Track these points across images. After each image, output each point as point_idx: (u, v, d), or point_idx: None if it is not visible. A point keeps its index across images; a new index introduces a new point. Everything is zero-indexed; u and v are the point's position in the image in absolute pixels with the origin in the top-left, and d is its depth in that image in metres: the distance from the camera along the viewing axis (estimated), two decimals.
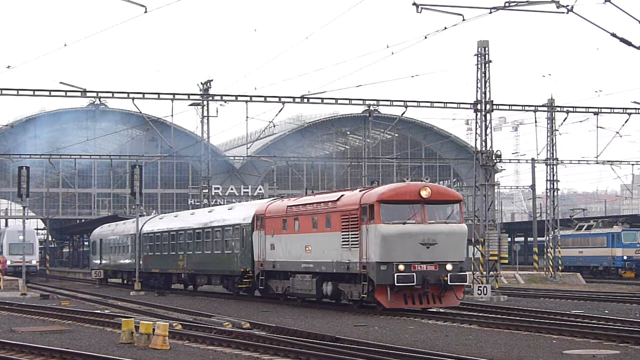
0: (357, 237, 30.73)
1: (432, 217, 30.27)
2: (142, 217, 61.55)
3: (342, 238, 31.61)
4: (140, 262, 52.49)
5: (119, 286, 57.01)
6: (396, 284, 29.24)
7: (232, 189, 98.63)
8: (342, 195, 32.74)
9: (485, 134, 53.71)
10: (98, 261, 63.17)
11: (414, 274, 29.39)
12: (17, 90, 50.10)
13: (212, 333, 24.05)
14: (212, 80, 60.47)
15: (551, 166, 62.85)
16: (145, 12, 32.95)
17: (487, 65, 53.34)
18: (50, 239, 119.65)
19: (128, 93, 52.34)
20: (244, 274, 39.79)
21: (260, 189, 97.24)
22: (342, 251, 31.68)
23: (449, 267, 29.90)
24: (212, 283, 44.97)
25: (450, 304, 30.32)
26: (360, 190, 32.13)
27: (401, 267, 29.42)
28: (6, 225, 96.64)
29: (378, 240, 29.70)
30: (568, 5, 26.44)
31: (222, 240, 42.70)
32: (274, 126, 61.14)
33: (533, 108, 61.51)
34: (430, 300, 29.84)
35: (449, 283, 29.64)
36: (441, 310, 30.94)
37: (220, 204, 69.30)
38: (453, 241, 30.37)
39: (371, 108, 66.38)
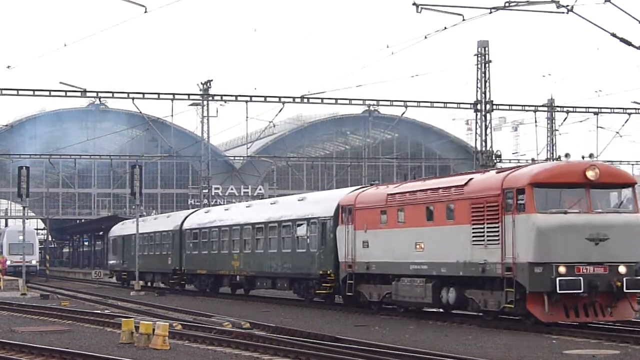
0: (497, 231, 24.92)
1: (600, 205, 24.56)
2: (180, 211, 59.17)
3: (474, 232, 25.78)
4: (181, 262, 47.73)
5: (145, 289, 51.29)
6: (557, 291, 23.32)
7: (232, 189, 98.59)
8: (470, 179, 26.87)
9: (485, 134, 53.83)
10: (118, 261, 58.48)
11: (580, 278, 23.45)
12: (17, 90, 50.24)
13: (212, 333, 24.04)
14: (212, 80, 60.56)
15: None
16: (145, 12, 32.99)
17: (487, 65, 53.47)
18: (50, 239, 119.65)
19: (128, 93, 52.48)
20: (323, 277, 33.72)
21: (260, 189, 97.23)
22: (472, 249, 25.90)
23: (622, 269, 23.98)
24: (277, 287, 38.60)
25: (624, 316, 24.47)
26: (498, 172, 26.81)
27: (562, 269, 23.55)
28: (6, 225, 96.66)
29: (532, 235, 23.88)
30: (568, 5, 26.47)
31: (292, 237, 36.51)
32: (274, 126, 61.33)
33: (533, 108, 61.64)
34: (599, 312, 23.98)
35: (623, 290, 23.78)
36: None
37: (219, 204, 69.06)
38: (628, 236, 24.44)
39: (371, 108, 66.44)
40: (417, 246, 28.01)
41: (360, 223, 31.06)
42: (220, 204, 68.92)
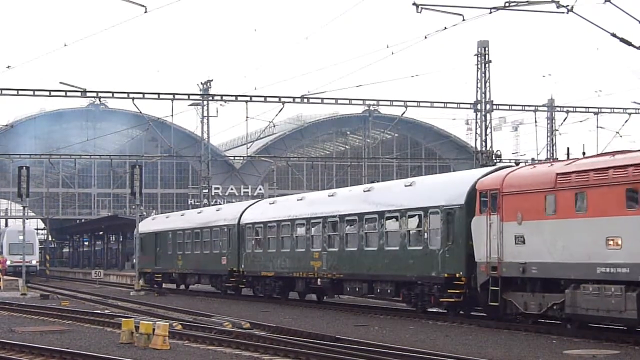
0: None
1: None
2: (234, 203, 55.33)
3: None
4: (240, 262, 41.02)
5: (186, 293, 47.76)
6: None
7: (232, 189, 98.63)
8: None
9: (485, 134, 53.82)
10: (149, 261, 51.66)
11: None
12: (17, 90, 50.22)
13: (212, 333, 24.04)
14: (212, 80, 60.61)
15: None
16: (145, 12, 32.96)
17: (487, 65, 53.47)
18: (50, 239, 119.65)
19: (128, 93, 52.45)
20: (449, 281, 27.41)
21: (260, 189, 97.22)
22: None
23: None
24: (376, 293, 31.75)
25: None
26: None
27: None
28: (6, 225, 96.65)
29: None
30: (568, 5, 26.43)
31: (401, 232, 29.79)
32: (274, 126, 61.27)
33: (533, 108, 61.66)
34: None
35: None
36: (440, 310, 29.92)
37: (218, 203, 68.89)
38: None
39: (371, 108, 66.50)
40: (610, 242, 21.39)
41: (510, 212, 24.56)
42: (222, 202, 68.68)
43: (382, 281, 30.72)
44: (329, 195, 36.40)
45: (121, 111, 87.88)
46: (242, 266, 40.71)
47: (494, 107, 54.65)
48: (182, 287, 50.04)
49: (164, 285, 51.05)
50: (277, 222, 37.97)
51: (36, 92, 50.42)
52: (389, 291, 30.47)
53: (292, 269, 36.59)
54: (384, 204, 31.22)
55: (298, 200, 38.67)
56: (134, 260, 56.96)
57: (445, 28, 32.53)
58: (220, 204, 72.19)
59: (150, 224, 53.80)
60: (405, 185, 31.37)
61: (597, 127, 60.55)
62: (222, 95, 56.28)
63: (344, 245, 33.01)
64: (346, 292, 33.42)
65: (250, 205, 42.54)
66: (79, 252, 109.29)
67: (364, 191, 33.68)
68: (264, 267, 38.81)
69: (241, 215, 41.49)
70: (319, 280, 34.60)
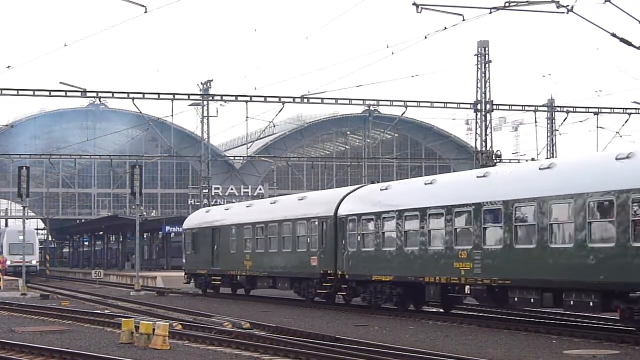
0: None
1: None
2: (326, 190, 49.29)
3: None
4: (337, 263, 33.37)
5: (254, 300, 40.10)
6: None
7: (232, 189, 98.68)
8: None
9: (485, 134, 53.83)
10: (203, 261, 44.90)
11: None
12: (17, 90, 50.20)
13: (212, 333, 24.04)
14: (212, 80, 60.63)
15: None
16: (145, 12, 32.96)
17: (487, 65, 53.49)
18: (50, 239, 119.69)
19: (128, 93, 52.43)
20: None
21: (260, 189, 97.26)
22: None
23: None
24: (570, 304, 23.14)
25: None
26: None
27: None
28: (6, 225, 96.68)
29: None
30: (568, 5, 26.44)
31: (593, 222, 22.11)
32: (274, 126, 61.24)
33: (533, 108, 61.67)
34: None
35: None
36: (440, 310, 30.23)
37: (218, 203, 68.71)
38: None
39: (371, 108, 66.50)
40: None
41: None
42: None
43: (575, 290, 22.65)
44: (481, 176, 27.34)
45: (121, 111, 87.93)
46: (343, 268, 32.76)
47: (494, 107, 54.67)
48: (239, 291, 43.80)
49: (221, 290, 44.57)
50: (398, 212, 29.78)
51: (36, 92, 50.40)
52: (595, 301, 22.13)
53: (421, 272, 28.42)
54: (559, 184, 23.61)
55: (426, 184, 29.85)
56: (133, 261, 56.39)
57: (445, 28, 32.55)
58: (220, 204, 71.99)
59: (204, 217, 46.37)
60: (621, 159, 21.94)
61: (597, 127, 60.56)
62: (222, 95, 56.25)
63: (513, 241, 24.71)
64: (513, 304, 25.32)
65: (351, 192, 34.19)
66: (79, 252, 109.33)
67: (542, 168, 24.76)
68: (377, 270, 30.83)
69: (339, 205, 33.54)
70: (468, 286, 26.57)
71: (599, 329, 24.22)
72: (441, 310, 30.25)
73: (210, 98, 58.47)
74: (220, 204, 61.15)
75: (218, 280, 43.85)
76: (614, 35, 26.38)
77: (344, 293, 33.61)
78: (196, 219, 47.66)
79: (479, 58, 53.45)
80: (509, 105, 58.75)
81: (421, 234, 28.62)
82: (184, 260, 47.91)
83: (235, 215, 42.92)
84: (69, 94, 50.69)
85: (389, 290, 30.60)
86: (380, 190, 32.20)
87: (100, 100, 59.23)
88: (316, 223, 34.87)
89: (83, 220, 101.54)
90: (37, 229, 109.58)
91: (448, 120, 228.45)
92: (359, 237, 32.08)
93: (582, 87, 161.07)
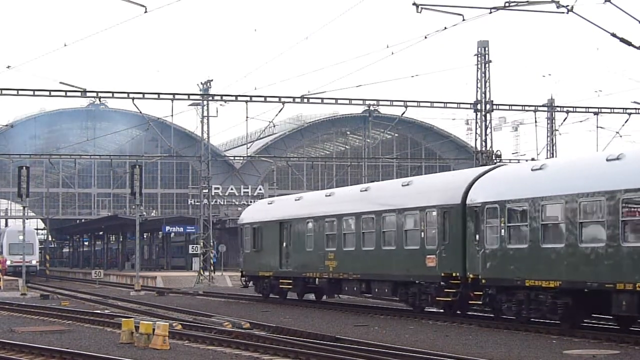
0: None
1: None
2: (450, 171, 44.60)
3: None
4: (467, 264, 27.04)
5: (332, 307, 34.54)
6: None
7: (232, 189, 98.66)
8: None
9: (485, 134, 53.81)
10: (267, 261, 38.44)
11: None
12: (17, 90, 50.16)
13: (212, 333, 24.04)
14: (212, 80, 60.51)
15: None
16: (145, 12, 32.93)
17: (487, 65, 53.46)
18: (50, 239, 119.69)
19: (128, 93, 52.39)
20: None
21: (260, 189, 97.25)
22: None
23: None
24: None
25: None
26: None
27: None
28: (6, 225, 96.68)
29: None
30: (568, 5, 26.42)
31: None
32: (274, 126, 61.18)
33: (533, 108, 61.59)
34: None
35: None
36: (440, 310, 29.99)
37: (218, 204, 68.54)
38: None
39: (371, 108, 66.46)
40: None
41: None
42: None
43: None
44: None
45: (121, 111, 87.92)
46: (476, 270, 26.34)
47: (494, 107, 54.63)
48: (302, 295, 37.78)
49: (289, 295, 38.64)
50: (567, 196, 23.12)
51: (36, 92, 50.36)
52: None
53: (609, 276, 21.73)
54: None
55: (610, 159, 22.72)
56: (133, 261, 55.91)
57: (445, 28, 32.53)
58: (220, 204, 71.82)
59: (269, 210, 39.73)
60: None
61: (597, 127, 60.53)
62: (222, 95, 56.20)
63: None
64: None
65: (484, 174, 27.77)
66: (79, 252, 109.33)
67: None
68: (533, 273, 24.24)
69: (468, 191, 27.36)
70: None
71: (599, 329, 24.21)
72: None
73: (210, 98, 58.41)
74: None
75: (288, 284, 37.04)
76: (614, 35, 26.37)
77: (477, 302, 26.81)
78: (258, 211, 40.94)
79: (479, 58, 53.42)
80: (509, 105, 58.69)
81: (609, 225, 21.76)
82: (241, 260, 41.43)
83: (311, 206, 36.10)
84: (69, 94, 50.65)
85: (551, 300, 23.86)
86: (532, 170, 25.34)
87: (100, 100, 59.18)
88: (434, 214, 28.24)
89: (83, 220, 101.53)
90: (37, 229, 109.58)
91: (448, 120, 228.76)
92: (502, 231, 25.49)
93: (582, 87, 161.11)
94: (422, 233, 28.84)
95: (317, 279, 34.99)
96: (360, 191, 33.64)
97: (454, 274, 27.25)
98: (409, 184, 30.84)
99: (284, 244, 37.19)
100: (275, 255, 37.52)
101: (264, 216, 39.52)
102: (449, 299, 27.58)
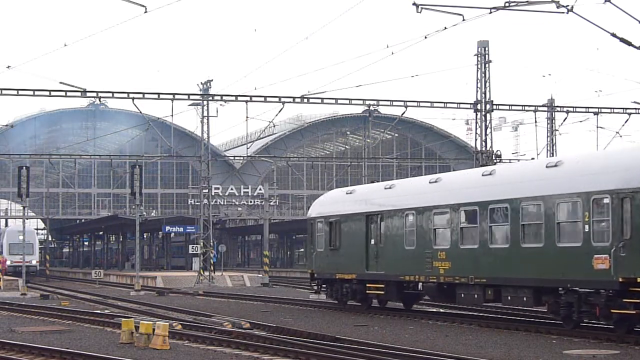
0: None
1: None
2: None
3: None
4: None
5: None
6: None
7: (232, 189, 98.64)
8: None
9: (485, 134, 53.77)
10: (353, 262, 32.31)
11: None
12: (17, 90, 50.13)
13: (212, 333, 24.03)
14: (212, 80, 60.51)
15: None
16: (145, 12, 32.91)
17: (487, 65, 53.42)
18: (50, 239, 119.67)
19: (128, 93, 52.37)
20: None
21: (260, 189, 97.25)
22: None
23: None
24: None
25: None
26: None
27: None
28: (6, 225, 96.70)
29: None
30: (568, 5, 26.40)
31: None
32: (274, 126, 61.16)
33: (533, 108, 61.55)
34: None
35: None
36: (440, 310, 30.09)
37: (218, 204, 68.49)
38: None
39: (371, 108, 66.43)
40: None
41: None
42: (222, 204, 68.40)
43: None
44: None
45: (121, 111, 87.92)
46: None
47: (494, 107, 54.59)
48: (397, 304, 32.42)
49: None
50: None
51: (36, 92, 50.33)
52: None
53: None
54: None
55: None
56: (133, 261, 55.59)
57: (445, 28, 32.48)
58: (220, 204, 71.75)
59: (349, 201, 33.73)
60: None
61: (597, 127, 60.51)
62: (222, 95, 56.18)
63: None
64: None
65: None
66: (79, 252, 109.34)
67: None
68: None
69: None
70: None
71: (599, 329, 24.20)
72: (441, 310, 29.48)
73: (210, 98, 58.39)
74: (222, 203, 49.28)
75: (377, 289, 31.15)
76: (614, 35, 26.35)
77: None
78: (334, 203, 34.77)
79: (479, 58, 53.38)
80: (509, 105, 58.65)
81: None
82: (312, 259, 35.17)
83: (411, 195, 30.24)
84: (69, 94, 50.62)
85: None
86: None
87: (100, 100, 59.02)
88: (606, 201, 22.12)
89: (83, 220, 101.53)
90: (37, 229, 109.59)
91: (448, 120, 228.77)
92: None
93: (582, 87, 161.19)
94: (587, 226, 22.53)
95: (420, 284, 28.97)
96: (483, 175, 27.16)
97: (639, 280, 21.15)
98: (558, 165, 24.20)
99: (372, 241, 31.39)
100: (360, 254, 31.74)
101: (343, 208, 33.57)
102: (630, 312, 21.40)
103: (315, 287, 35.18)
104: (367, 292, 31.65)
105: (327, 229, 34.05)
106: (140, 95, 52.63)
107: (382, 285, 30.76)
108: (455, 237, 27.14)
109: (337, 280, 33.28)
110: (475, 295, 26.39)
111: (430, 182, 29.58)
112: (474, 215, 26.49)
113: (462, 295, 26.94)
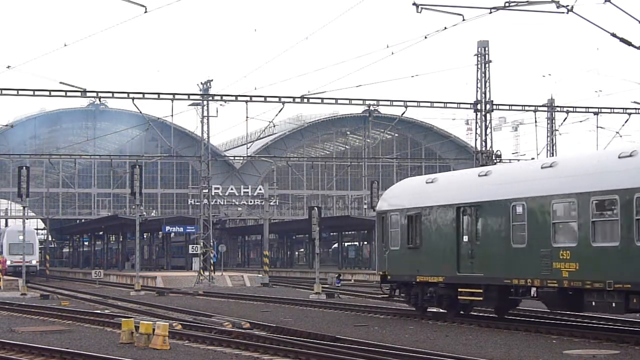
0: None
1: None
2: None
3: None
4: None
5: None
6: None
7: (232, 189, 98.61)
8: None
9: (485, 134, 53.77)
10: (440, 262, 27.77)
11: None
12: (17, 90, 50.15)
13: (212, 333, 24.03)
14: (212, 80, 60.53)
15: None
16: (145, 12, 32.92)
17: (487, 65, 53.42)
18: (50, 239, 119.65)
19: (128, 93, 52.38)
20: None
21: (260, 189, 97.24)
22: None
23: None
24: None
25: None
26: None
27: None
28: (6, 225, 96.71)
29: None
30: (568, 5, 26.40)
31: None
32: (274, 126, 61.19)
33: (533, 108, 61.56)
34: None
35: None
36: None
37: (218, 204, 68.44)
38: None
39: (371, 108, 66.38)
40: None
41: None
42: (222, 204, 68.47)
43: None
44: None
45: (121, 111, 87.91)
46: None
47: (494, 107, 54.60)
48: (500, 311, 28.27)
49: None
50: None
51: (36, 92, 50.33)
52: None
53: None
54: None
55: None
56: (133, 261, 55.59)
57: (445, 28, 32.50)
58: (220, 204, 71.83)
59: (432, 191, 28.96)
60: None
61: (597, 127, 60.52)
62: (222, 95, 56.20)
63: None
64: None
65: None
66: (79, 252, 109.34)
67: None
68: None
69: None
70: None
71: (599, 329, 24.21)
72: (441, 310, 28.94)
73: (210, 98, 58.40)
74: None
75: (471, 294, 26.60)
76: (614, 35, 26.35)
77: None
78: (413, 193, 30.04)
79: (479, 58, 53.38)
80: (509, 105, 58.66)
81: None
82: (383, 259, 30.54)
83: (518, 182, 25.31)
84: (69, 94, 50.63)
85: None
86: None
87: (100, 100, 59.09)
88: None
89: (83, 220, 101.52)
90: (37, 229, 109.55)
91: (448, 120, 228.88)
92: None
93: (582, 87, 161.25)
94: None
95: (533, 289, 24.13)
96: (620, 157, 21.97)
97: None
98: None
99: (465, 238, 26.82)
100: (449, 253, 27.28)
101: (424, 199, 28.89)
102: None
103: (388, 291, 30.83)
104: (459, 297, 27.08)
105: (404, 223, 29.30)
106: (140, 95, 52.63)
107: (480, 290, 26.00)
108: (585, 232, 22.32)
109: (418, 283, 28.76)
110: (614, 304, 21.75)
111: (542, 167, 24.67)
112: (611, 205, 21.68)
113: (594, 303, 22.37)
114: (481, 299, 26.12)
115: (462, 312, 28.09)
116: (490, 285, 25.64)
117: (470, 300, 26.95)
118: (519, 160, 71.92)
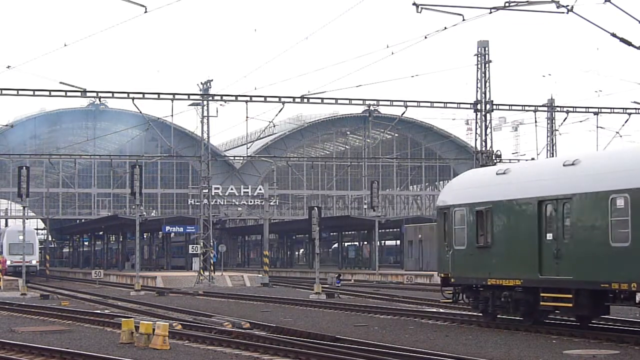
0: None
1: None
2: None
3: None
4: None
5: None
6: None
7: (232, 189, 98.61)
8: None
9: (485, 134, 53.77)
10: (517, 263, 24.63)
11: None
12: (17, 90, 50.16)
13: (212, 333, 24.04)
14: (212, 80, 60.52)
15: None
16: (145, 12, 32.92)
17: (487, 65, 53.43)
18: (50, 239, 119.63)
19: (128, 93, 52.39)
20: None
21: (260, 189, 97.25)
22: None
23: None
24: None
25: None
26: None
27: None
28: (6, 225, 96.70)
29: None
30: (568, 5, 26.40)
31: None
32: (274, 126, 61.20)
33: (533, 108, 61.59)
34: None
35: None
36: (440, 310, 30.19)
37: (218, 204, 68.43)
38: None
39: (371, 108, 66.44)
40: None
41: None
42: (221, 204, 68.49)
43: None
44: None
45: (121, 111, 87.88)
46: None
47: (494, 107, 54.61)
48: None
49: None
50: None
51: (36, 92, 50.35)
52: None
53: None
54: None
55: None
56: (133, 261, 55.46)
57: (445, 28, 32.50)
58: (220, 204, 71.88)
59: (504, 183, 25.61)
60: None
61: (597, 127, 60.54)
62: (222, 95, 56.22)
63: None
64: None
65: None
66: (79, 252, 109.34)
67: None
68: None
69: None
70: None
71: (599, 329, 24.19)
72: (441, 310, 29.42)
73: (210, 98, 58.41)
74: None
75: (557, 300, 23.37)
76: (614, 35, 26.35)
77: None
78: (481, 186, 26.76)
79: (479, 58, 53.39)
80: (509, 105, 58.69)
81: None
82: (446, 259, 27.37)
83: (615, 172, 22.05)
84: (69, 94, 50.64)
85: None
86: None
87: (100, 100, 59.17)
88: None
89: (83, 220, 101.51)
90: (37, 229, 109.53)
91: (448, 120, 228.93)
92: None
93: (582, 87, 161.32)
94: None
95: (638, 294, 21.02)
96: None
97: None
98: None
99: (549, 235, 23.59)
100: (528, 253, 24.05)
101: (495, 192, 25.63)
102: None
103: (451, 296, 27.70)
104: (542, 303, 23.76)
105: (471, 220, 26.16)
106: (140, 95, 52.64)
107: (569, 296, 22.78)
108: None
109: (489, 287, 25.58)
110: None
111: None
112: None
113: None
114: (571, 305, 22.77)
115: (545, 321, 25.24)
116: (581, 290, 22.52)
117: (554, 307, 23.71)
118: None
